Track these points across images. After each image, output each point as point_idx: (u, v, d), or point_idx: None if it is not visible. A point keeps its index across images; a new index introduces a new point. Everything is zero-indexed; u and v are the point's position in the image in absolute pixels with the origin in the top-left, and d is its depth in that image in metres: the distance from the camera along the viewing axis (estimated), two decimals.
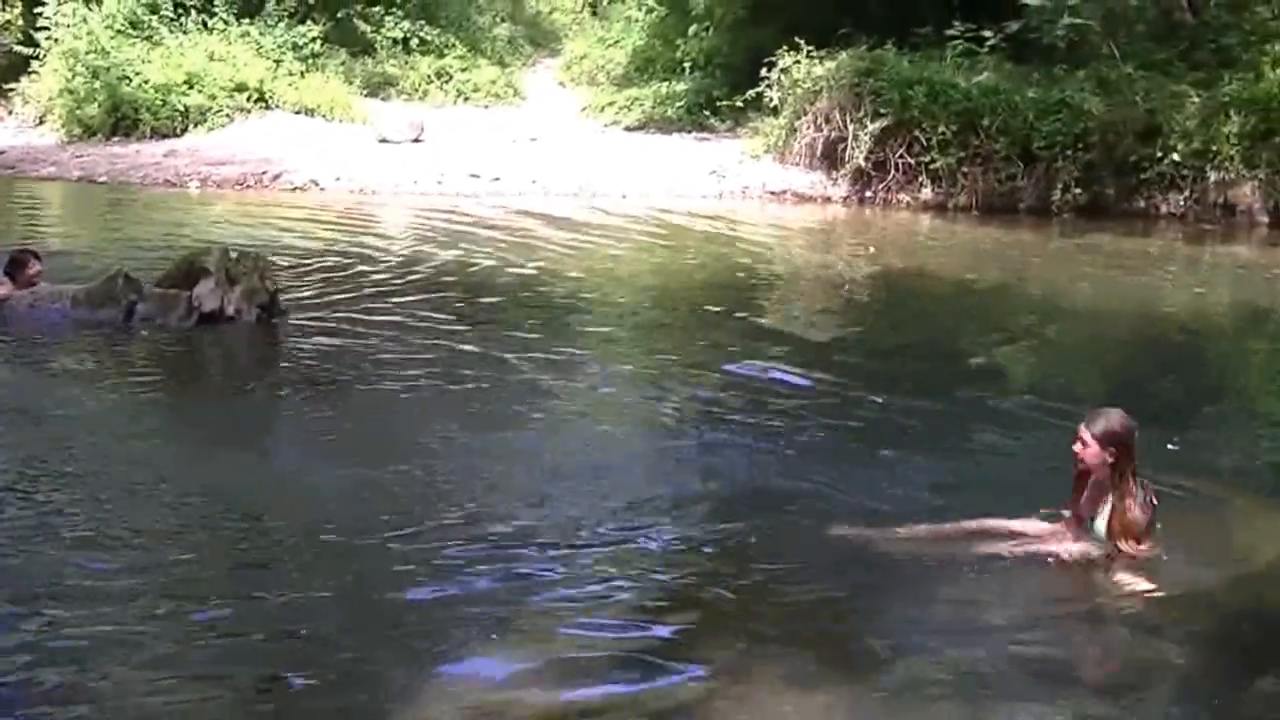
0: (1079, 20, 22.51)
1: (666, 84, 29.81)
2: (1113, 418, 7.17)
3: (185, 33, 28.73)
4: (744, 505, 8.16)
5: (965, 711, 5.83)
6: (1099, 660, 6.56)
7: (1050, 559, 7.15)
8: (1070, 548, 7.22)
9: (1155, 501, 7.09)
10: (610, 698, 5.92)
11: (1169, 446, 8.95)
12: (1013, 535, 7.35)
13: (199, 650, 6.21)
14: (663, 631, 6.49)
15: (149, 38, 28.55)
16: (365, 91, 30.71)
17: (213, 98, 27.11)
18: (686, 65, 29.92)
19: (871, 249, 18.07)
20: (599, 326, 13.20)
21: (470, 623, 6.53)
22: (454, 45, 33.27)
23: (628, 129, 28.57)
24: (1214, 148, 20.52)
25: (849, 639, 6.53)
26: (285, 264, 14.97)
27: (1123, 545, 7.05)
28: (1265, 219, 20.38)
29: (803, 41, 23.37)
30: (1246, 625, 6.77)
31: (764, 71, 23.75)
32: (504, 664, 6.14)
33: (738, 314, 13.79)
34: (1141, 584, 6.92)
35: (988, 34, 22.62)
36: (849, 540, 7.37)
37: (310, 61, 29.93)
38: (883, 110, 21.92)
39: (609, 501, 8.15)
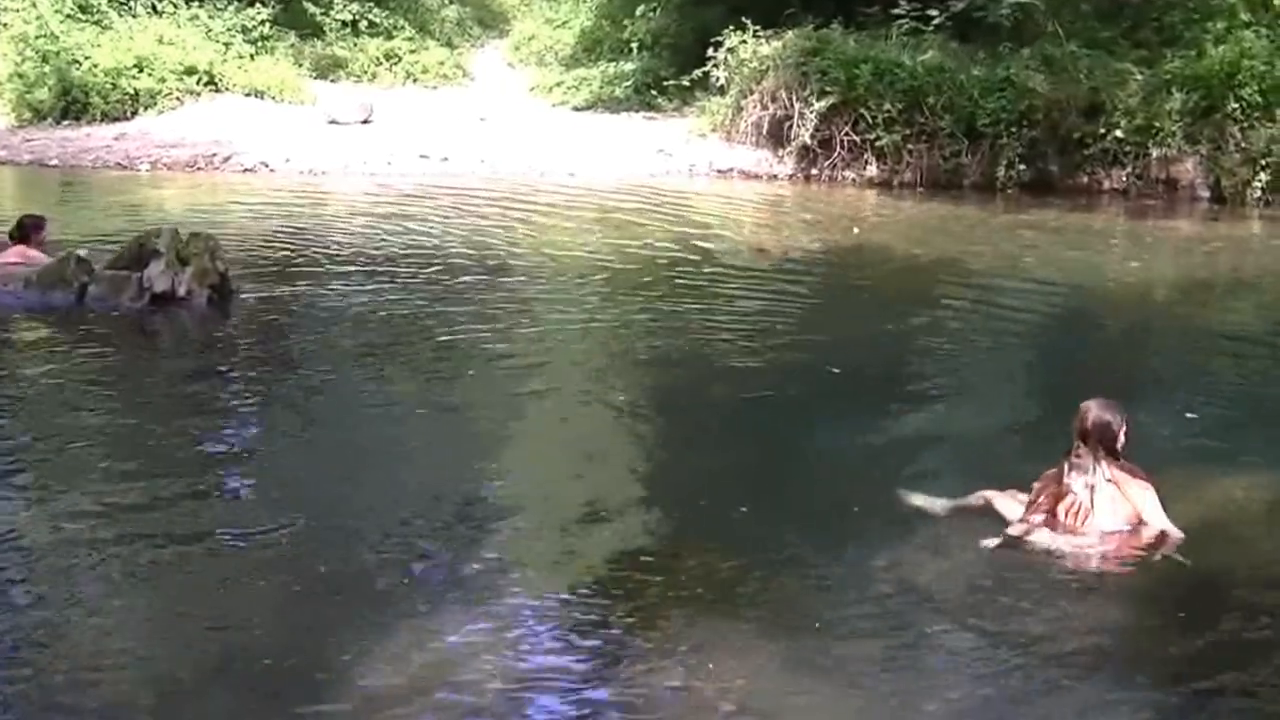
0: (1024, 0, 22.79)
1: (614, 64, 29.80)
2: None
3: (134, 16, 28.53)
4: (700, 477, 8.37)
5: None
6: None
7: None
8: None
9: (1067, 480, 7.27)
10: (565, 666, 6.06)
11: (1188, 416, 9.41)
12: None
13: (153, 622, 6.37)
14: (621, 601, 6.63)
15: (98, 22, 28.35)
16: (314, 74, 30.61)
17: (162, 81, 26.95)
18: (634, 45, 29.87)
19: (856, 230, 18.12)
20: (550, 301, 13.32)
21: (426, 591, 6.69)
22: (402, 27, 33.21)
23: (576, 109, 28.55)
24: (1156, 124, 20.80)
25: (812, 604, 6.73)
26: (236, 244, 15.03)
27: None
28: (1205, 194, 20.71)
29: (749, 21, 23.51)
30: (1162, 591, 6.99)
31: (711, 51, 23.85)
32: (457, 631, 6.24)
33: (686, 289, 13.89)
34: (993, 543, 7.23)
35: (933, 13, 22.78)
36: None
37: (259, 44, 29.81)
38: (828, 89, 22.05)
39: (563, 475, 8.32)
